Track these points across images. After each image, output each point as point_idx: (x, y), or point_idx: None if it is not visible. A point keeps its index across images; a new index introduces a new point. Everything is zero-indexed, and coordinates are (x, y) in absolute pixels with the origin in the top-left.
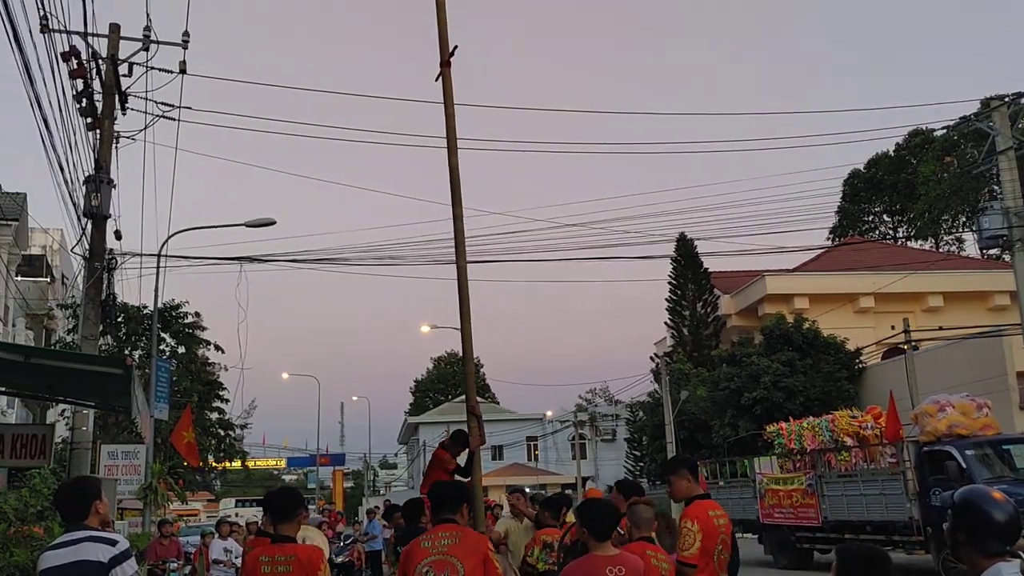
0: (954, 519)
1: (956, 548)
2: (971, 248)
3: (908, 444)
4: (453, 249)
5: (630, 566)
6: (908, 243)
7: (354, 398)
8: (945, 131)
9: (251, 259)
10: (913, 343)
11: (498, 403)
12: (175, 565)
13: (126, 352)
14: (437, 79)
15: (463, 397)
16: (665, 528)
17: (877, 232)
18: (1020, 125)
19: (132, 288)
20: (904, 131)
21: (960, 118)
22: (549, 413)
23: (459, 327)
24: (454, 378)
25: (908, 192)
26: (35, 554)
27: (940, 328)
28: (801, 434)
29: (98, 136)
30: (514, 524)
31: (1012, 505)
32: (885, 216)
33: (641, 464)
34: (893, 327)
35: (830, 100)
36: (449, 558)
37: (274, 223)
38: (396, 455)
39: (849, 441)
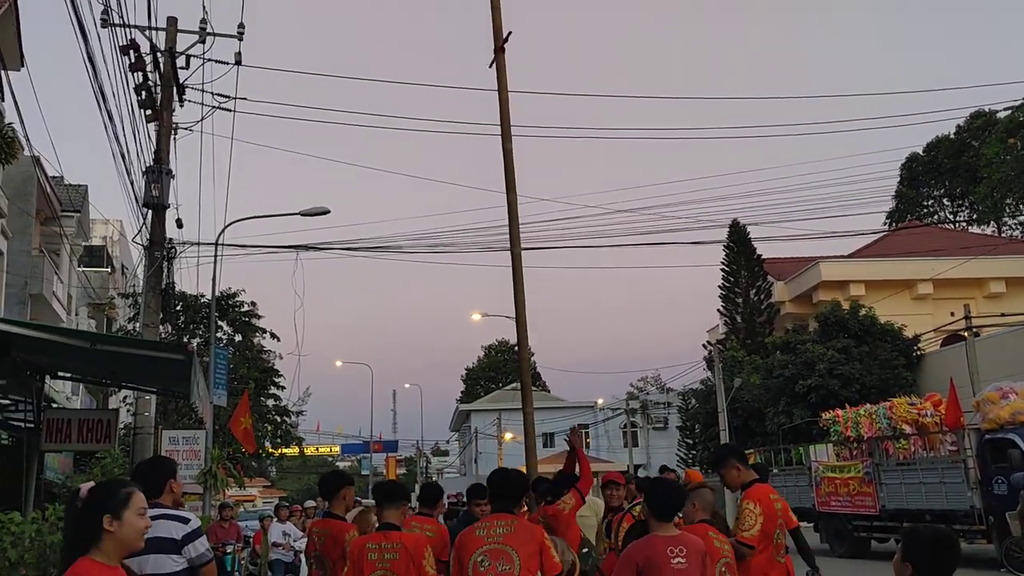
0: None
1: None
2: None
3: (969, 432)
4: (506, 236)
5: (691, 546)
6: (969, 228)
7: (406, 386)
8: (1009, 112)
9: (306, 247)
10: (974, 329)
11: (549, 391)
12: (234, 548)
13: (185, 340)
14: (491, 65)
15: (514, 385)
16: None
17: (936, 217)
18: None
19: (190, 277)
20: (966, 112)
21: None
22: (600, 401)
23: (510, 315)
24: (505, 366)
25: (969, 175)
26: None
27: (1002, 315)
28: (858, 421)
29: (157, 128)
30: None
31: None
32: (945, 200)
33: (693, 452)
34: (953, 314)
35: (888, 82)
36: (504, 547)
37: (328, 212)
38: (448, 442)
39: (908, 429)
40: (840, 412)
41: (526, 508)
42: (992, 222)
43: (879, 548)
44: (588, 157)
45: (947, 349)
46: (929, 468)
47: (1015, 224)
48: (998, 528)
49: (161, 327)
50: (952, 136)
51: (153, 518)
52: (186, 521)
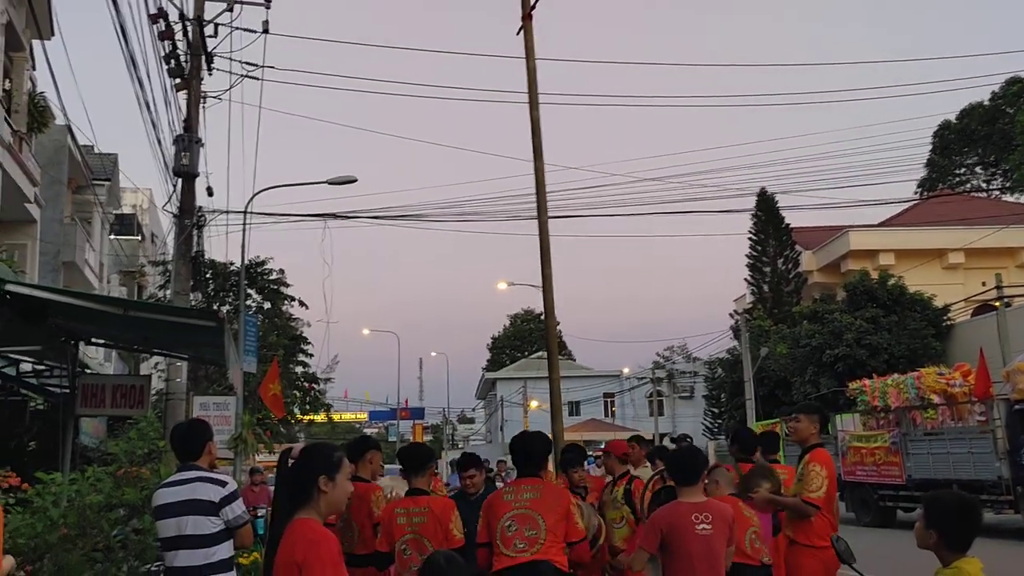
0: None
1: None
2: None
3: (998, 402)
4: (533, 205)
5: (717, 513)
6: (1002, 196)
7: (433, 354)
8: None
9: (334, 216)
10: (1006, 299)
11: (574, 359)
12: (265, 511)
13: (215, 307)
14: (519, 32)
15: (540, 353)
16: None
17: (969, 185)
18: None
19: (219, 246)
20: (1001, 79)
21: None
22: (626, 370)
23: (536, 284)
24: (531, 335)
25: (1004, 143)
26: (143, 493)
27: None
28: (885, 391)
29: (187, 96)
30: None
31: None
32: (978, 168)
33: (719, 421)
34: (984, 283)
35: (920, 48)
36: (531, 512)
37: (356, 180)
38: (474, 410)
39: (936, 399)
40: (867, 382)
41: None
42: None
43: (905, 518)
44: (616, 126)
45: (977, 319)
46: (957, 438)
47: None
48: None
49: (191, 295)
50: (986, 103)
51: (191, 480)
52: (223, 484)
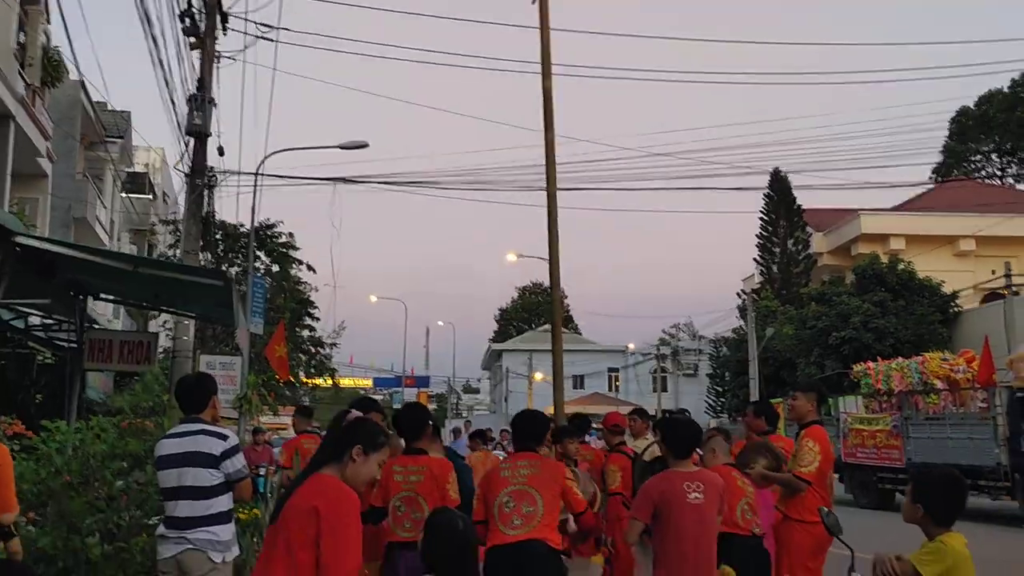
0: None
1: None
2: None
3: (1001, 389)
4: (544, 176)
5: (709, 482)
6: (1016, 185)
7: (439, 323)
8: None
9: (345, 180)
10: (1014, 288)
11: (580, 334)
12: (266, 470)
13: (224, 268)
14: (534, 1)
15: (546, 326)
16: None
17: (984, 173)
18: None
19: (230, 207)
20: (1021, 66)
21: None
22: (631, 345)
23: (545, 257)
24: (538, 308)
25: (1021, 131)
26: (147, 444)
27: None
28: (889, 375)
29: (200, 56)
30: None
31: None
32: (994, 156)
33: (722, 400)
34: (994, 271)
35: (941, 31)
36: (528, 489)
37: (367, 146)
38: (479, 380)
39: (939, 384)
40: (872, 365)
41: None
42: None
43: (903, 500)
44: (629, 100)
45: (985, 307)
46: (958, 424)
47: None
48: (1023, 485)
49: (201, 255)
50: (1006, 90)
51: (193, 433)
52: (225, 438)
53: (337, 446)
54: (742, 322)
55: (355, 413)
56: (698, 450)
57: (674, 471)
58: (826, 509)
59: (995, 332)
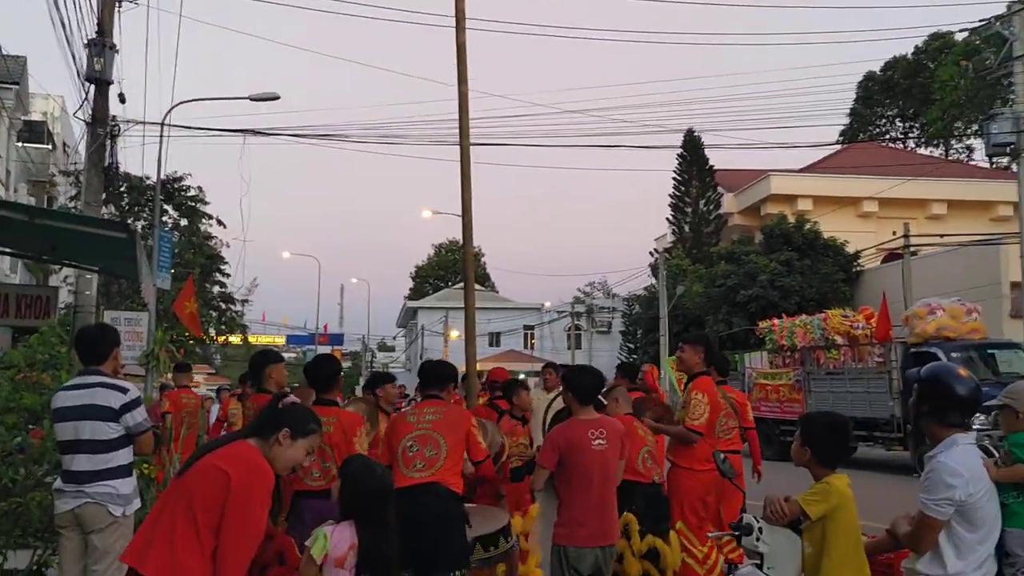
0: (919, 392)
1: (919, 419)
2: (981, 158)
3: (896, 345)
4: (457, 130)
5: (611, 428)
6: (917, 149)
7: (354, 280)
8: (966, 34)
9: (254, 132)
10: (912, 248)
11: (497, 291)
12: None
13: (129, 221)
14: None
15: (461, 284)
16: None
17: (889, 136)
18: None
19: (135, 159)
20: (925, 33)
21: (981, 21)
22: (547, 303)
23: (459, 213)
24: (454, 266)
25: (923, 97)
26: (43, 398)
27: (940, 236)
28: (793, 331)
29: None
30: (543, 395)
31: (974, 382)
32: (898, 121)
33: (634, 356)
34: (895, 232)
35: None
36: (432, 433)
37: (278, 98)
38: (394, 338)
39: (839, 340)
40: (777, 322)
41: (457, 396)
42: (941, 144)
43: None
44: (544, 56)
45: (885, 266)
46: (856, 378)
47: (962, 148)
48: (914, 436)
49: (104, 208)
50: (910, 57)
51: (92, 386)
52: (125, 391)
53: (266, 424)
54: (654, 280)
55: (291, 398)
56: (602, 399)
57: (578, 419)
58: (721, 455)
59: (894, 290)
